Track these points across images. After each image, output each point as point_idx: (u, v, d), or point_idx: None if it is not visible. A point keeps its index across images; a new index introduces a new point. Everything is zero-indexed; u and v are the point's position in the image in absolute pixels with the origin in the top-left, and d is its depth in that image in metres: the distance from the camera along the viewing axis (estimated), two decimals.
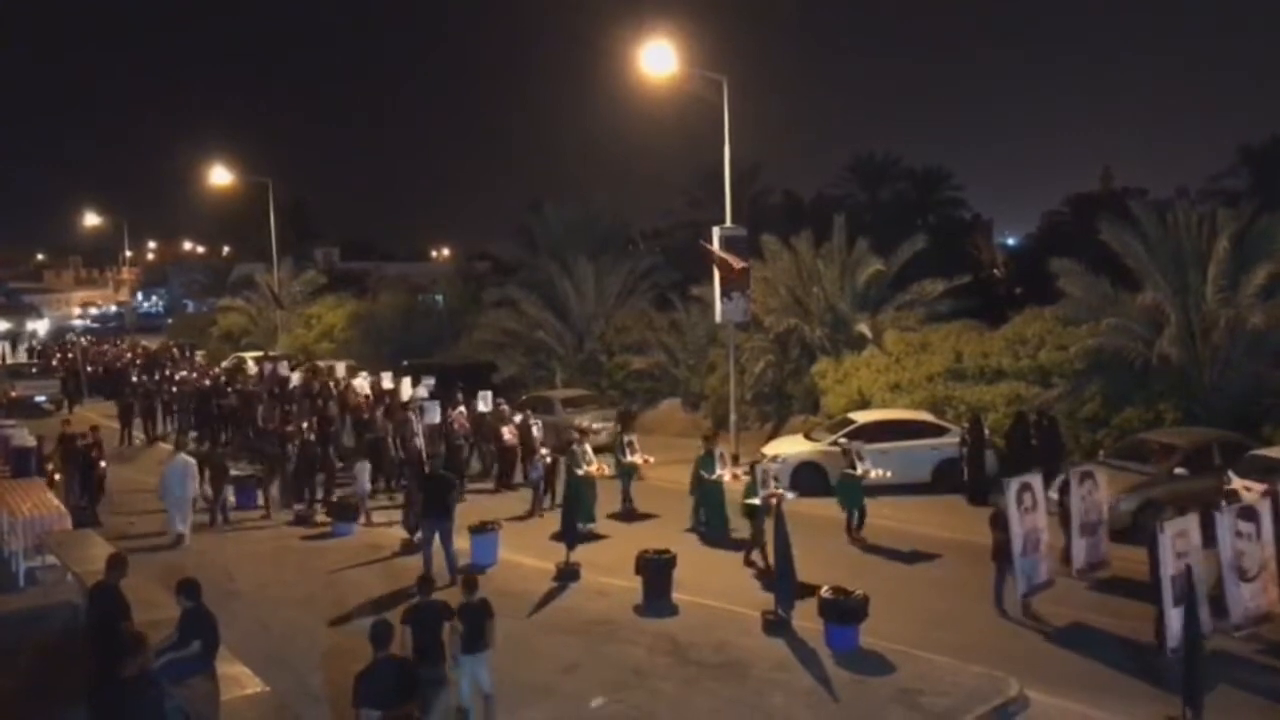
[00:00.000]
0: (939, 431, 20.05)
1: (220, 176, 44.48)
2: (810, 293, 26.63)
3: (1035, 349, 21.75)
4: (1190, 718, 9.54)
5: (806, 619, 12.22)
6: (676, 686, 10.96)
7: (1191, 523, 11.00)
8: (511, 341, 32.82)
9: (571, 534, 15.17)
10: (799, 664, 11.42)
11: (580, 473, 17.60)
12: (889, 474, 17.46)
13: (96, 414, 31.70)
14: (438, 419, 22.04)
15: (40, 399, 35.25)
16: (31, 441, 20.31)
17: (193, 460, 17.86)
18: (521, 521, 18.18)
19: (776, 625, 12.36)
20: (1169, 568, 10.45)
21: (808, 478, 18.99)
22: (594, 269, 32.25)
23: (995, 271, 44.30)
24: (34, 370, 41.01)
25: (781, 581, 12.61)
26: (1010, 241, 57.62)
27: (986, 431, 19.56)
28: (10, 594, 14.13)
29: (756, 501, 15.22)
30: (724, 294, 22.55)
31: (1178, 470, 16.51)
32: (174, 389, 31.07)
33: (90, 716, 8.21)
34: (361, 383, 28.18)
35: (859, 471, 16.77)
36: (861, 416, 20.97)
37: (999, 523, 12.92)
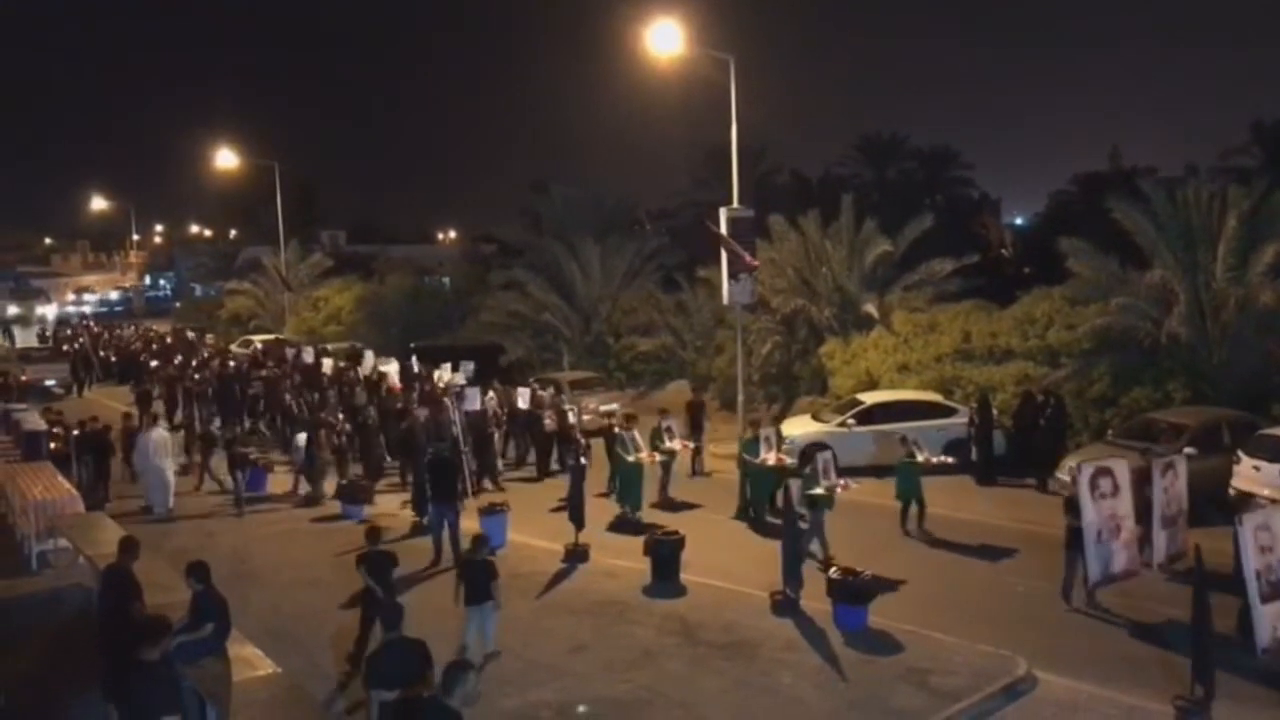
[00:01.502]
0: (947, 412, 20.01)
1: (227, 160, 44.50)
2: (818, 273, 26.54)
3: (1044, 329, 21.67)
4: (1200, 695, 9.54)
5: (815, 599, 12.25)
6: (685, 666, 11.01)
7: (1273, 515, 10.37)
8: (518, 324, 32.84)
9: (580, 515, 15.20)
10: (807, 644, 11.46)
11: (631, 460, 17.14)
12: (951, 460, 17.16)
13: (111, 399, 31.73)
14: (478, 406, 21.15)
15: (50, 382, 35.42)
16: (42, 425, 20.41)
17: (166, 434, 18.94)
18: (561, 512, 16.52)
19: (785, 605, 12.40)
20: (1252, 563, 9.93)
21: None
22: (600, 250, 32.23)
23: (1003, 251, 44.13)
24: (45, 354, 41.12)
25: (788, 560, 12.63)
26: (1018, 221, 57.43)
27: (995, 412, 19.54)
28: (23, 577, 14.23)
29: (820, 491, 14.56)
30: (731, 275, 22.48)
31: (1187, 450, 16.44)
32: (195, 375, 29.81)
33: (104, 698, 8.28)
34: (392, 369, 27.17)
35: (920, 459, 16.01)
36: (869, 397, 20.95)
37: (1072, 509, 12.28)
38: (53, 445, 19.26)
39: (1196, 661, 9.54)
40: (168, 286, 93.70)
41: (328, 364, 29.79)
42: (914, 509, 15.91)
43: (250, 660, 9.24)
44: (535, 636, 11.93)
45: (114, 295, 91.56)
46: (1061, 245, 21.73)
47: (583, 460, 17.79)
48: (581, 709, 10.16)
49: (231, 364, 31.07)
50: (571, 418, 20.89)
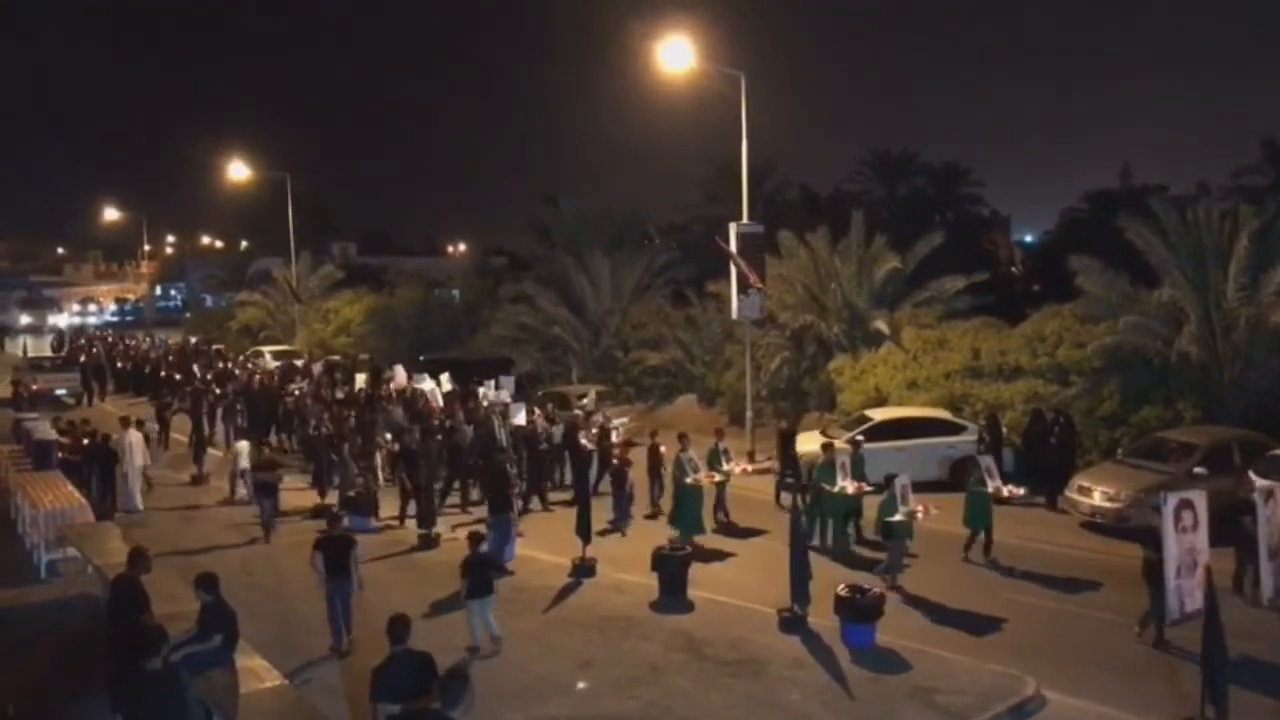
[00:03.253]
0: (956, 429, 19.96)
1: (239, 171, 44.76)
2: (827, 289, 26.57)
3: (1053, 347, 21.64)
4: (1211, 717, 9.47)
5: (822, 616, 12.21)
6: (692, 683, 10.97)
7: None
8: (528, 337, 32.89)
9: (588, 530, 15.18)
10: (815, 661, 11.42)
11: (689, 481, 16.37)
12: (1022, 490, 16.09)
13: (121, 410, 31.75)
14: (523, 421, 20.33)
15: (61, 392, 35.52)
16: (53, 434, 20.48)
17: (140, 435, 19.55)
18: (604, 536, 16.68)
19: (792, 622, 12.36)
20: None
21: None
22: (610, 264, 32.29)
23: (1013, 269, 44.12)
24: (57, 364, 41.16)
25: (796, 578, 12.60)
26: (1028, 238, 57.33)
27: (1004, 430, 19.48)
28: (32, 585, 14.27)
29: (899, 518, 13.99)
30: (740, 290, 22.54)
31: (1197, 469, 16.38)
32: (218, 389, 28.23)
33: (111, 708, 8.29)
34: (431, 386, 25.41)
35: (990, 488, 15.16)
36: (878, 414, 20.91)
37: (1150, 541, 11.52)
38: (61, 454, 19.31)
39: (1208, 682, 9.48)
40: (178, 297, 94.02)
41: (360, 378, 28.56)
42: (981, 537, 15.28)
43: (257, 672, 9.22)
44: (542, 651, 11.91)
45: (112, 306, 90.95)
46: (1071, 263, 21.72)
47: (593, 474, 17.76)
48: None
49: (258, 377, 29.80)
50: (614, 436, 19.97)
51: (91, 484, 18.49)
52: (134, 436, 19.49)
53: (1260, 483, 12.15)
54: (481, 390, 24.06)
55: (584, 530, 15.07)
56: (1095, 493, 16.59)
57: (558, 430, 20.68)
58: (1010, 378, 21.83)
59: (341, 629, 11.92)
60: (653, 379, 30.19)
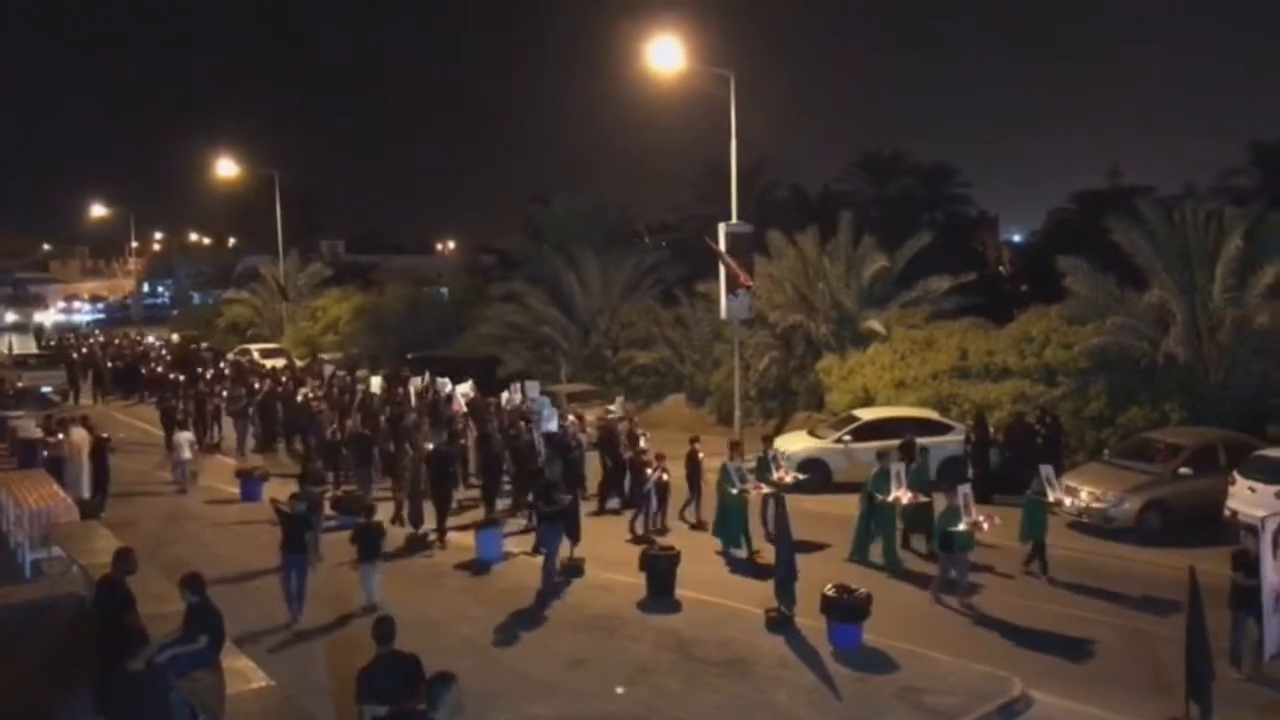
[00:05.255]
0: (943, 429, 20.01)
1: (226, 168, 44.63)
2: (816, 289, 26.63)
3: (1041, 347, 21.72)
4: (1195, 716, 9.53)
5: (809, 616, 12.23)
6: (680, 683, 10.98)
7: None
8: (517, 335, 32.83)
9: (576, 530, 15.17)
10: (802, 661, 11.43)
11: (735, 492, 15.54)
12: (1099, 506, 15.41)
13: (126, 416, 31.58)
14: (554, 427, 19.58)
15: (46, 389, 35.32)
16: (36, 433, 20.37)
17: (84, 432, 19.44)
18: (635, 545, 15.99)
19: (779, 622, 12.38)
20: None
21: (812, 474, 18.96)
22: (599, 263, 32.28)
23: (1001, 269, 44.20)
24: (42, 361, 40.91)
25: (782, 577, 12.62)
26: (1016, 239, 57.43)
27: (991, 430, 19.54)
28: (17, 585, 14.17)
29: (962, 528, 13.37)
30: (729, 290, 22.56)
31: (1182, 470, 16.51)
32: (225, 393, 27.58)
33: (96, 708, 8.26)
34: (463, 389, 24.54)
35: (1051, 498, 14.50)
36: (866, 414, 20.97)
37: (1244, 565, 10.70)
38: (45, 453, 19.22)
39: (1191, 680, 9.54)
40: (166, 294, 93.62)
41: (376, 383, 27.51)
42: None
43: (243, 673, 9.19)
44: (530, 651, 11.91)
45: (87, 306, 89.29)
46: (1059, 264, 21.81)
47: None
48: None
49: (266, 382, 28.26)
50: (644, 442, 19.08)
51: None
52: (77, 434, 19.26)
53: (1264, 517, 10.85)
54: (505, 395, 23.54)
55: (573, 531, 15.08)
56: (1082, 493, 16.66)
57: (585, 436, 20.29)
58: (998, 378, 21.91)
59: (294, 602, 12.79)
60: (642, 378, 30.19)
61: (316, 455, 20.22)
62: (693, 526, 17.40)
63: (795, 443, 20.70)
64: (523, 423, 19.99)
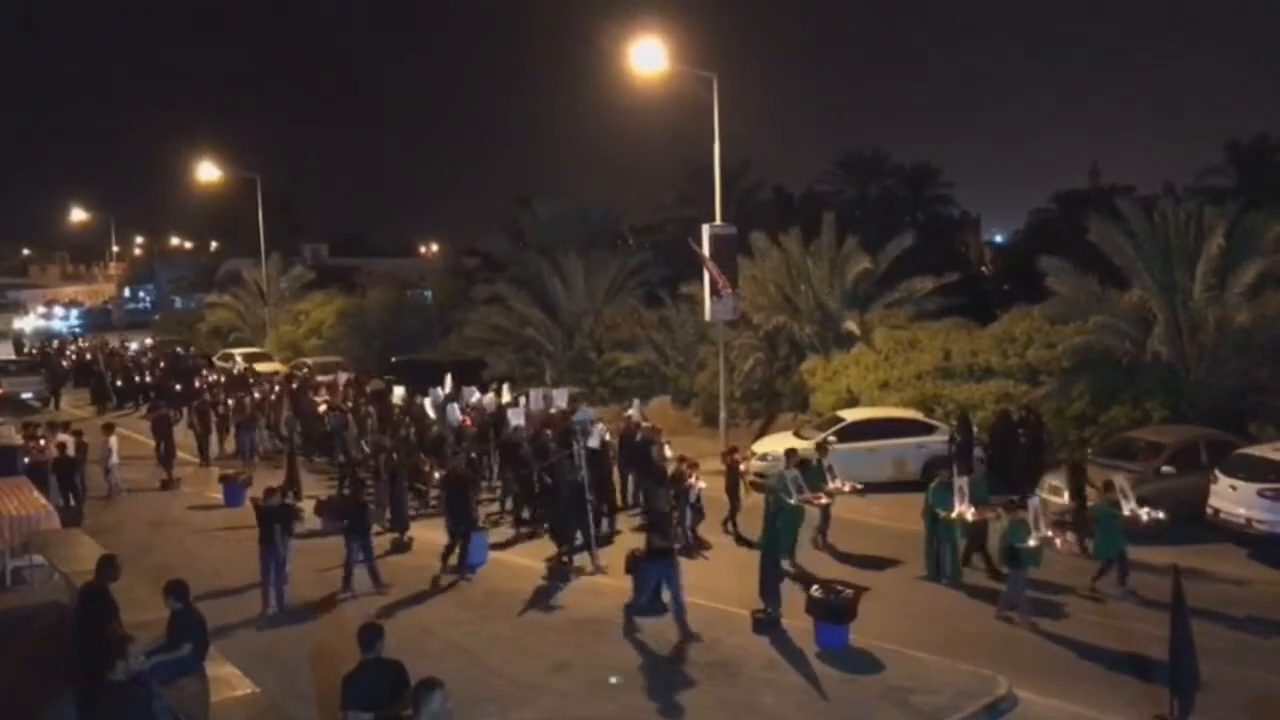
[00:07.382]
0: (927, 430, 20.08)
1: (208, 172, 44.29)
2: (799, 290, 26.68)
3: (1023, 347, 21.82)
4: (1179, 715, 9.58)
5: (795, 617, 12.24)
6: (667, 686, 10.96)
7: None
8: (501, 338, 32.75)
9: (567, 532, 15.11)
10: (788, 663, 11.43)
11: (792, 502, 14.69)
12: (1162, 515, 14.01)
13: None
14: (597, 443, 17.56)
15: (27, 395, 35.05)
16: (17, 439, 20.19)
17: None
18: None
19: (766, 624, 12.38)
20: None
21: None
22: (583, 265, 32.23)
23: (984, 269, 44.47)
24: (22, 367, 40.47)
25: (766, 578, 12.62)
26: (998, 239, 57.81)
27: (975, 429, 19.61)
28: None
29: (1031, 544, 12.67)
30: (713, 291, 22.58)
31: (1164, 468, 16.59)
32: (230, 400, 26.77)
33: (78, 717, 8.18)
34: (489, 399, 23.27)
35: (1126, 512, 13.66)
36: (850, 414, 21.02)
37: None
38: (28, 460, 19.04)
39: (1174, 678, 9.59)
40: (147, 299, 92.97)
41: (398, 392, 25.32)
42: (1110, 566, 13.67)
43: (228, 680, 9.15)
44: (517, 654, 11.87)
45: (67, 311, 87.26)
46: (1041, 264, 21.93)
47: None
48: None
49: (276, 390, 27.46)
50: (668, 450, 18.36)
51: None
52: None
53: None
54: (522, 400, 22.36)
55: (563, 532, 15.03)
56: (1066, 493, 16.72)
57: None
58: (981, 378, 21.99)
59: (270, 593, 13.35)
60: (627, 380, 30.14)
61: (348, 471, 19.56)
62: (740, 541, 16.52)
63: (780, 444, 20.69)
64: (549, 432, 18.59)
